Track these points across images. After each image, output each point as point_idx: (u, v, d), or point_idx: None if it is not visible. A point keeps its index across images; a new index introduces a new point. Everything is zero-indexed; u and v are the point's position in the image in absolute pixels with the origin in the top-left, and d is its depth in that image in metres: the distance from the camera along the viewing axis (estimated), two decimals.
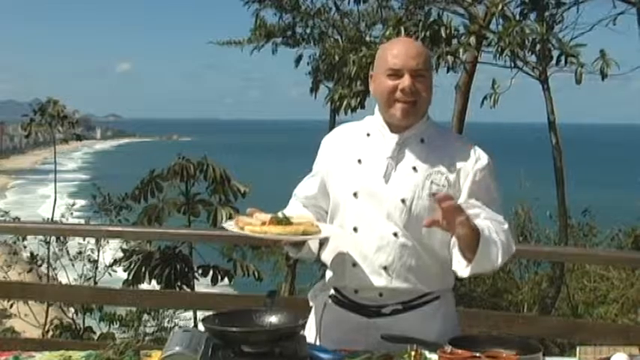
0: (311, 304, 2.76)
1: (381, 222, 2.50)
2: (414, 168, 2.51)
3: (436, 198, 2.23)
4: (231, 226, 2.50)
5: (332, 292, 2.66)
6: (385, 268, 2.51)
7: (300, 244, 2.57)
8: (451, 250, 2.48)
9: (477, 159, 2.55)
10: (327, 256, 2.65)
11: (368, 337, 2.50)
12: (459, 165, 2.51)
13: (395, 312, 2.55)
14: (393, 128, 2.55)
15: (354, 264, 2.54)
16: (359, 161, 2.57)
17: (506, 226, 2.45)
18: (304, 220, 2.51)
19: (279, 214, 2.48)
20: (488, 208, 2.47)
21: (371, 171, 2.54)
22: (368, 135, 2.61)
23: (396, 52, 2.53)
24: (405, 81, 2.48)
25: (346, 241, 2.55)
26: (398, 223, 2.49)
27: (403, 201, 2.49)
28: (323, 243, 2.65)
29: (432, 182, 2.50)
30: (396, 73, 2.49)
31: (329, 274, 2.67)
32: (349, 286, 2.58)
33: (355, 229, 2.54)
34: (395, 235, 2.50)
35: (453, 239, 2.43)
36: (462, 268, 2.41)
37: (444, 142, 2.58)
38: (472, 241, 2.31)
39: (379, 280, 2.52)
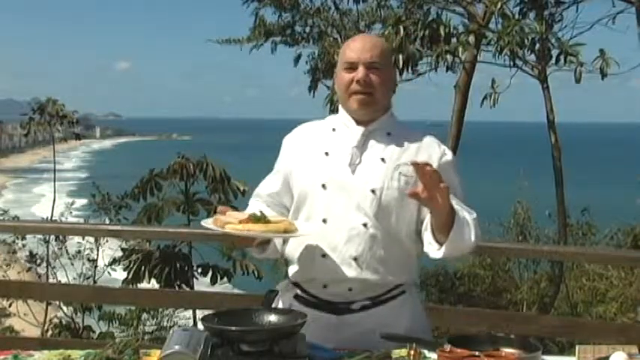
0: (272, 306, 2.73)
1: (350, 213, 2.52)
2: (382, 159, 2.55)
3: (419, 164, 2.27)
4: (208, 224, 2.50)
5: (297, 291, 2.64)
6: (355, 258, 2.52)
7: (265, 244, 2.60)
8: (423, 234, 2.52)
9: (443, 154, 2.61)
10: (292, 251, 2.64)
11: (338, 334, 2.49)
12: (425, 158, 2.52)
13: (364, 308, 2.56)
14: (359, 122, 2.60)
15: (324, 255, 2.54)
16: (326, 154, 2.59)
17: (475, 215, 2.50)
18: (280, 218, 2.53)
19: (257, 213, 2.49)
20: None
21: (338, 162, 2.57)
22: (334, 130, 2.65)
23: (353, 46, 2.62)
24: (360, 72, 2.55)
25: (315, 234, 2.55)
26: (368, 214, 2.51)
27: (373, 191, 2.52)
28: (285, 240, 2.65)
29: (400, 173, 2.54)
30: (352, 66, 2.57)
31: (294, 269, 2.65)
32: (318, 280, 2.57)
33: (324, 221, 2.54)
34: (365, 225, 2.51)
35: (425, 222, 2.48)
36: (434, 250, 2.46)
37: (410, 137, 2.63)
38: (448, 219, 2.36)
39: (349, 271, 2.52)
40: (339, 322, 2.54)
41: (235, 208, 2.72)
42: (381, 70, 2.58)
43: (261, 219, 2.44)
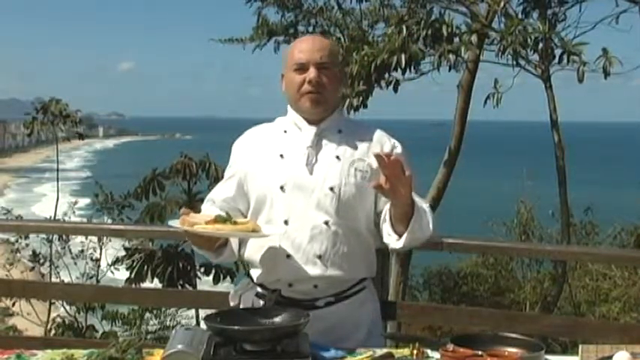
0: (232, 304, 2.76)
1: (311, 212, 2.56)
2: (337, 157, 2.60)
3: (381, 155, 2.33)
4: (176, 223, 2.51)
5: (259, 290, 2.67)
6: (320, 257, 2.56)
7: (221, 248, 2.63)
8: (381, 225, 2.59)
9: (394, 146, 2.68)
10: (253, 254, 2.66)
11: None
12: (377, 148, 2.60)
13: (328, 304, 2.60)
14: (309, 122, 2.64)
15: (288, 255, 2.57)
16: (281, 156, 2.62)
17: (427, 205, 2.58)
18: (245, 220, 2.56)
19: (222, 214, 2.51)
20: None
21: (294, 163, 2.60)
22: (285, 132, 2.68)
23: (301, 47, 2.66)
24: (311, 73, 2.60)
25: (276, 235, 2.57)
26: (329, 212, 2.55)
27: (332, 189, 2.56)
28: (242, 243, 2.69)
29: (355, 169, 2.59)
30: (302, 67, 2.61)
31: (257, 272, 2.68)
32: (283, 280, 2.60)
33: (286, 222, 2.57)
34: (326, 223, 2.55)
35: (384, 213, 2.55)
36: (393, 240, 2.52)
37: (360, 132, 2.69)
38: (409, 209, 2.45)
39: (314, 270, 2.56)
40: None
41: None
42: (330, 69, 2.63)
43: (227, 220, 2.46)
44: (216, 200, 2.75)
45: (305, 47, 2.65)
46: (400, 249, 2.54)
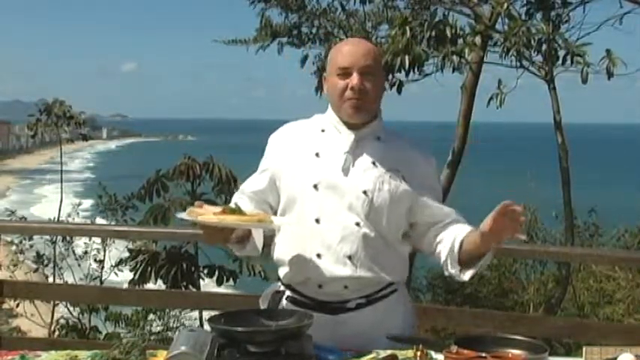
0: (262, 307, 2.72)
1: (343, 213, 2.54)
2: (373, 163, 2.58)
3: (506, 204, 2.34)
4: (183, 215, 2.48)
5: (289, 293, 2.65)
6: (350, 257, 2.54)
7: (245, 241, 2.60)
8: (439, 251, 2.60)
9: (427, 157, 2.69)
10: (283, 253, 2.64)
11: (334, 334, 2.48)
12: (412, 162, 2.62)
13: (359, 306, 2.58)
14: (349, 126, 2.62)
15: (319, 255, 2.55)
16: (317, 155, 2.60)
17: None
18: (256, 211, 2.53)
19: (232, 205, 2.49)
20: (436, 203, 2.64)
21: (330, 164, 2.58)
22: (323, 131, 2.66)
23: (345, 51, 2.61)
24: (354, 79, 2.55)
25: (307, 234, 2.56)
26: (360, 214, 2.54)
27: (365, 192, 2.54)
28: (270, 240, 2.67)
29: (390, 177, 2.57)
30: (345, 72, 2.57)
31: (285, 270, 2.65)
32: (313, 280, 2.57)
33: (317, 221, 2.55)
34: (357, 225, 2.54)
35: (453, 240, 2.54)
36: (456, 272, 2.55)
37: (399, 143, 2.67)
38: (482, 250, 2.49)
39: (344, 270, 2.54)
40: (334, 322, 2.54)
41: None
42: (374, 75, 2.59)
43: (235, 211, 2.43)
44: (245, 191, 2.74)
45: (348, 51, 2.60)
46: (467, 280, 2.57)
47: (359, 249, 2.54)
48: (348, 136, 2.60)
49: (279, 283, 2.70)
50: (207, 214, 2.43)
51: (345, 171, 2.56)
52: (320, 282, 2.56)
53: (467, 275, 2.53)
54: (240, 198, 2.70)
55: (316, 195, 2.56)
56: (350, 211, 2.54)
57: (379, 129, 2.65)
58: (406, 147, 2.67)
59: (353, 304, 2.57)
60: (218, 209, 2.47)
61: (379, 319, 2.57)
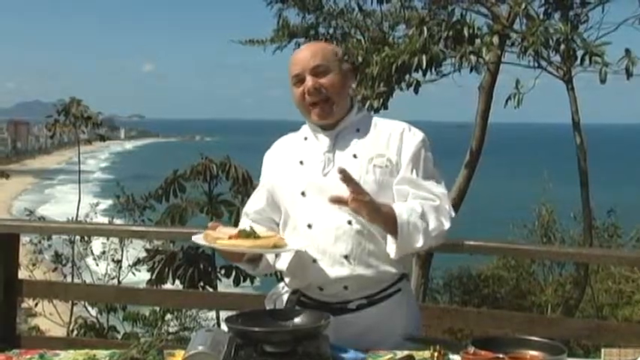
0: (268, 308, 2.75)
1: (333, 213, 2.54)
2: (354, 155, 2.58)
3: (338, 171, 2.35)
4: (199, 239, 2.51)
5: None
6: (346, 257, 2.54)
7: (257, 261, 2.65)
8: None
9: (412, 135, 2.63)
10: (283, 263, 2.66)
11: (337, 334, 2.45)
12: (396, 144, 2.59)
13: (360, 307, 2.58)
14: (325, 127, 2.64)
15: (315, 260, 2.56)
16: (301, 162, 2.63)
17: (437, 202, 2.53)
18: (271, 234, 2.54)
19: (247, 229, 2.51)
20: (427, 181, 2.56)
21: (313, 168, 2.60)
22: (305, 139, 2.69)
23: (295, 60, 2.65)
24: (308, 82, 2.59)
25: (301, 241, 2.56)
26: (350, 211, 2.51)
27: None
28: (276, 254, 2.68)
29: (374, 165, 2.56)
30: (300, 79, 2.61)
31: (288, 280, 2.68)
32: (314, 285, 2.59)
33: (309, 226, 2.57)
34: (349, 222, 2.53)
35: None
36: (391, 250, 2.50)
37: (380, 127, 2.65)
38: (388, 226, 2.44)
39: (342, 270, 2.54)
40: (336, 323, 2.50)
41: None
42: (328, 72, 2.60)
43: (250, 235, 2.46)
44: (249, 213, 2.78)
45: (297, 58, 2.64)
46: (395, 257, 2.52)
47: (354, 247, 2.54)
48: (325, 138, 2.63)
49: (283, 284, 2.72)
50: (223, 236, 2.46)
51: (328, 172, 2.58)
52: (320, 285, 2.58)
53: (392, 253, 2.49)
54: (246, 220, 2.74)
55: (305, 201, 2.58)
56: (340, 209, 2.52)
57: (358, 120, 2.66)
58: (387, 127, 2.64)
59: (354, 305, 2.58)
60: (233, 231, 2.50)
61: (381, 320, 2.57)
